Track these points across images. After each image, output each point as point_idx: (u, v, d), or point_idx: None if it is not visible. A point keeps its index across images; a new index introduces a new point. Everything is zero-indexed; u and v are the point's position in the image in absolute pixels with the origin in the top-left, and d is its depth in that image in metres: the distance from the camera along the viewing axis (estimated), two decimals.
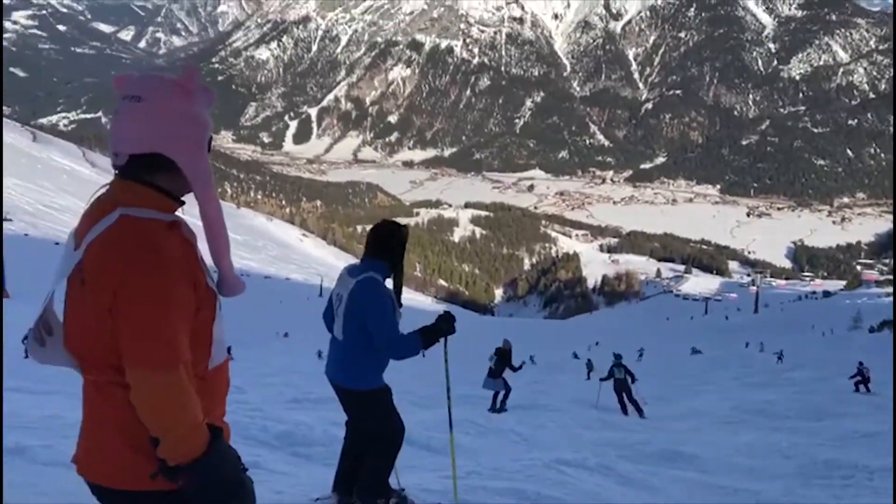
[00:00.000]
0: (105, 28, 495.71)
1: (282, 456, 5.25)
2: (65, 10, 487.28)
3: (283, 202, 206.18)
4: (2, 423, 3.06)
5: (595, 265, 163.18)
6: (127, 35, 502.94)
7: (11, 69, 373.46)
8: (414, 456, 5.93)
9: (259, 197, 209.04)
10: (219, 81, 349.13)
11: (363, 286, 3.24)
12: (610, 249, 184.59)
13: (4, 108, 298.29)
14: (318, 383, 15.10)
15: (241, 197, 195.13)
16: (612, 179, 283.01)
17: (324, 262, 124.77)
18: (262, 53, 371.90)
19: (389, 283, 3.40)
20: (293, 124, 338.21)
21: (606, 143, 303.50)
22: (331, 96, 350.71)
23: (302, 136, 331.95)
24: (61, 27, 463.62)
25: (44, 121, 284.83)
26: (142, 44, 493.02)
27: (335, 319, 3.42)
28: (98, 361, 1.64)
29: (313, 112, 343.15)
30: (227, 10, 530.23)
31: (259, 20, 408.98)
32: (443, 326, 3.38)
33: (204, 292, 1.68)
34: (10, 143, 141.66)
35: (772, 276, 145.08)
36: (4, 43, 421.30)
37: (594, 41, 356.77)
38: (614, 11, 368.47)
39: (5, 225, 42.29)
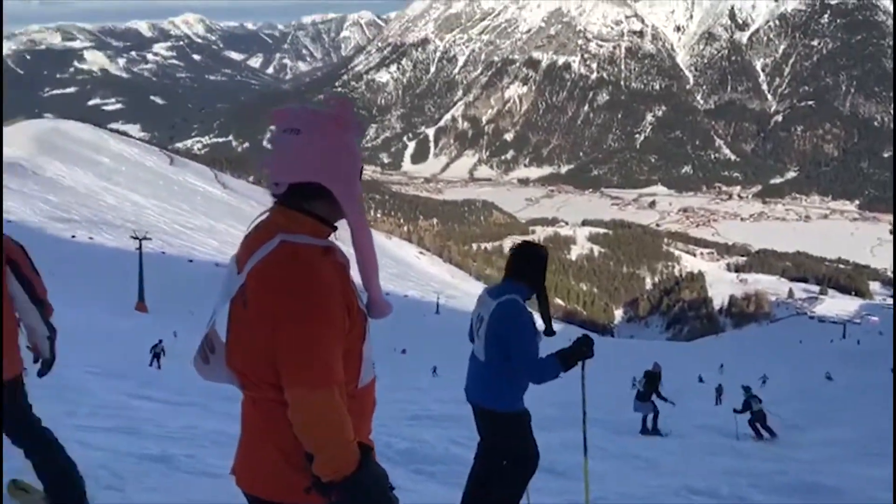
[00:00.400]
0: (236, 56, 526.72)
1: (404, 472, 5.32)
2: (200, 41, 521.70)
3: (401, 220, 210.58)
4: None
5: (721, 285, 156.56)
6: (256, 62, 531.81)
7: (152, 97, 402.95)
8: (537, 479, 5.86)
9: (378, 215, 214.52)
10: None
11: (504, 308, 3.23)
12: (738, 268, 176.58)
13: (145, 133, 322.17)
14: (435, 400, 15.28)
15: None
16: (739, 195, 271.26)
17: (440, 279, 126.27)
18: (383, 76, 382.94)
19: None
20: (411, 144, 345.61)
21: (733, 157, 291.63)
22: (448, 116, 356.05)
23: (420, 155, 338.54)
24: (196, 57, 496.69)
25: (180, 145, 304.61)
26: (269, 70, 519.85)
27: (476, 340, 3.41)
28: (257, 379, 1.73)
29: (431, 132, 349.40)
30: (350, 35, 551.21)
31: (380, 44, 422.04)
32: (582, 350, 3.33)
33: (356, 314, 1.75)
34: (151, 166, 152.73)
35: None
36: (146, 73, 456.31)
37: (719, 52, 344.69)
38: (740, 21, 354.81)
39: (144, 243, 45.48)
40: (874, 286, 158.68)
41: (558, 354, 3.29)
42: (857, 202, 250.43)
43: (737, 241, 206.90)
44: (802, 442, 12.35)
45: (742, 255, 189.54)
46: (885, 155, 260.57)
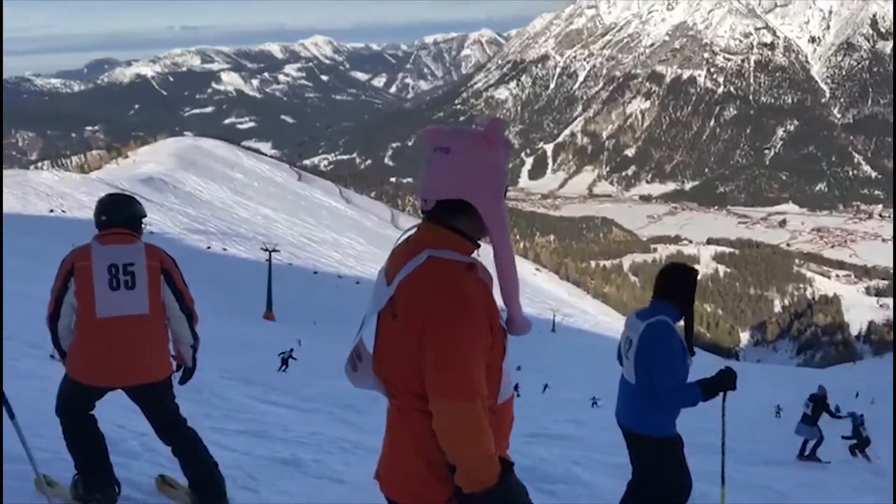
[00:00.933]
0: (361, 76, 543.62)
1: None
2: (328, 62, 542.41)
3: (518, 237, 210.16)
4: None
5: (859, 309, 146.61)
6: (379, 82, 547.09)
7: (282, 116, 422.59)
8: None
9: None
10: (460, 122, 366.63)
11: (653, 330, 3.24)
12: (878, 293, 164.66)
13: (276, 150, 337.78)
14: (549, 419, 15.11)
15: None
16: (880, 214, 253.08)
17: (556, 296, 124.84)
18: (502, 93, 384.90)
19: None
20: (529, 160, 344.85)
21: (873, 174, 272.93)
22: (567, 132, 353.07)
23: (537, 171, 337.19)
24: (324, 77, 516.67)
25: (307, 162, 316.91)
26: (392, 89, 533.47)
27: (625, 362, 3.42)
28: (404, 388, 1.78)
29: (549, 148, 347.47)
30: (471, 53, 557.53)
31: (500, 61, 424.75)
32: (725, 382, 3.33)
33: (497, 330, 1.78)
34: (280, 181, 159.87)
35: None
36: (277, 93, 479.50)
37: (858, 63, 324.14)
38: (883, 30, 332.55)
39: (273, 255, 47.64)
40: None
41: (700, 383, 3.27)
42: None
43: (877, 264, 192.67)
44: None
45: (883, 279, 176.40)
46: None
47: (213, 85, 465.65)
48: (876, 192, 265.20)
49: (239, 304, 38.26)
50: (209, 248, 67.49)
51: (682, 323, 3.44)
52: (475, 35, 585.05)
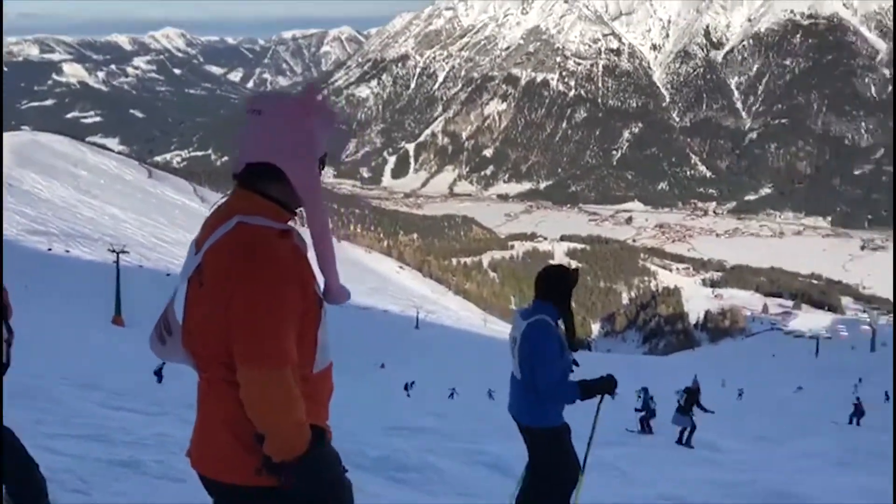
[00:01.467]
0: (216, 70, 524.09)
1: (377, 479, 5.33)
2: (180, 55, 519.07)
3: (381, 235, 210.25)
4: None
5: (697, 300, 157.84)
6: (236, 76, 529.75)
7: (131, 110, 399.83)
8: (513, 485, 5.89)
9: (358, 230, 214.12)
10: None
11: (533, 329, 3.43)
12: (713, 284, 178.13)
13: (124, 146, 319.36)
14: (413, 414, 15.24)
15: (341, 230, 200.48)
16: (714, 211, 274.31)
17: (419, 293, 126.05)
18: (363, 91, 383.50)
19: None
20: (391, 159, 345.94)
21: (708, 174, 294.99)
22: (428, 132, 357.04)
23: (400, 170, 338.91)
24: (177, 70, 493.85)
25: (159, 158, 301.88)
26: (249, 84, 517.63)
27: (511, 359, 3.60)
28: (211, 359, 1.71)
29: (411, 147, 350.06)
30: (331, 50, 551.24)
31: (360, 59, 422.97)
32: (605, 387, 3.56)
33: (312, 298, 1.74)
34: (129, 179, 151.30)
35: (889, 313, 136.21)
36: (126, 86, 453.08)
37: (694, 71, 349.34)
38: (715, 40, 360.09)
39: (122, 257, 45.11)
40: (846, 301, 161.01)
41: (581, 383, 3.48)
42: (829, 219, 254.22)
43: (712, 257, 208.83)
44: (774, 453, 12.50)
45: (717, 271, 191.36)
46: (857, 172, 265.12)
47: (54, 76, 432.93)
48: (710, 190, 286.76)
49: (84, 308, 36.02)
50: (50, 249, 62.95)
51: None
52: (335, 32, 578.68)
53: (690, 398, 13.48)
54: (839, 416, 20.73)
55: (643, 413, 15.12)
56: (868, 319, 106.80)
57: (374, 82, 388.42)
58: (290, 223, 1.76)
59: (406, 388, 26.79)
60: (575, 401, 3.47)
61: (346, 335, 47.46)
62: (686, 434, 13.13)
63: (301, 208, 1.78)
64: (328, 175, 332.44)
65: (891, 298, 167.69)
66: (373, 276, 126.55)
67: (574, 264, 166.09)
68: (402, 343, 53.71)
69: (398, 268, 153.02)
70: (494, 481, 5.92)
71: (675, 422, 13.40)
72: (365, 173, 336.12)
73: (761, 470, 9.31)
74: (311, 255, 1.78)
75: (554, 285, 3.54)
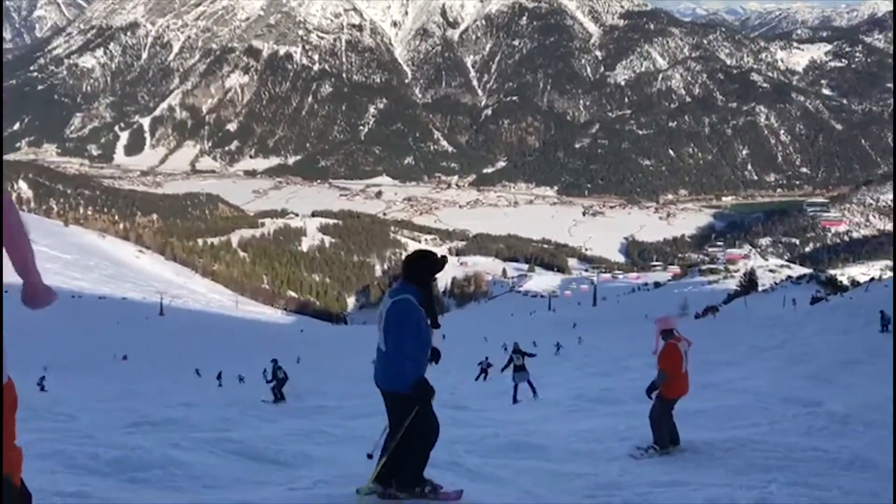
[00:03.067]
0: None
1: (115, 483, 4.92)
2: None
3: (117, 217, 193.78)
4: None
5: (446, 269, 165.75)
6: None
7: None
8: (260, 470, 5.74)
9: (89, 213, 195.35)
10: (39, 91, 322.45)
11: (396, 306, 3.86)
12: (458, 252, 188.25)
13: None
14: (159, 406, 14.33)
15: (70, 213, 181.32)
16: (456, 184, 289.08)
17: (162, 278, 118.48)
18: (87, 61, 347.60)
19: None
20: (124, 135, 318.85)
21: (450, 148, 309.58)
22: (164, 105, 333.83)
23: (134, 147, 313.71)
24: None
25: None
26: None
27: (378, 333, 4.00)
28: None
29: (146, 122, 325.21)
30: (46, 14, 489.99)
31: (82, 26, 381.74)
32: (425, 397, 3.99)
33: None
34: None
35: (608, 271, 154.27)
36: None
37: (433, 48, 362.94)
38: (451, 20, 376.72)
39: None
40: (572, 262, 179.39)
41: (420, 379, 3.97)
42: (555, 188, 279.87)
43: (457, 227, 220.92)
44: (516, 406, 13.58)
45: (462, 240, 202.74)
46: (577, 146, 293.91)
47: None
48: (452, 164, 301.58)
49: None
50: None
51: None
52: None
53: (521, 355, 15.00)
54: (572, 366, 23.03)
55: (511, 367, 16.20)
56: (591, 278, 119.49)
57: (99, 51, 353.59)
58: None
59: (218, 377, 25.46)
60: (415, 382, 3.89)
61: (80, 328, 43.27)
62: (530, 387, 14.54)
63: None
64: (51, 153, 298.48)
65: (608, 257, 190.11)
66: (109, 263, 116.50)
67: (328, 241, 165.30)
68: (146, 332, 50.24)
69: (137, 252, 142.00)
70: (243, 467, 5.76)
71: (517, 380, 14.71)
72: (94, 151, 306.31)
73: (503, 423, 10.05)
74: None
75: (416, 269, 3.97)
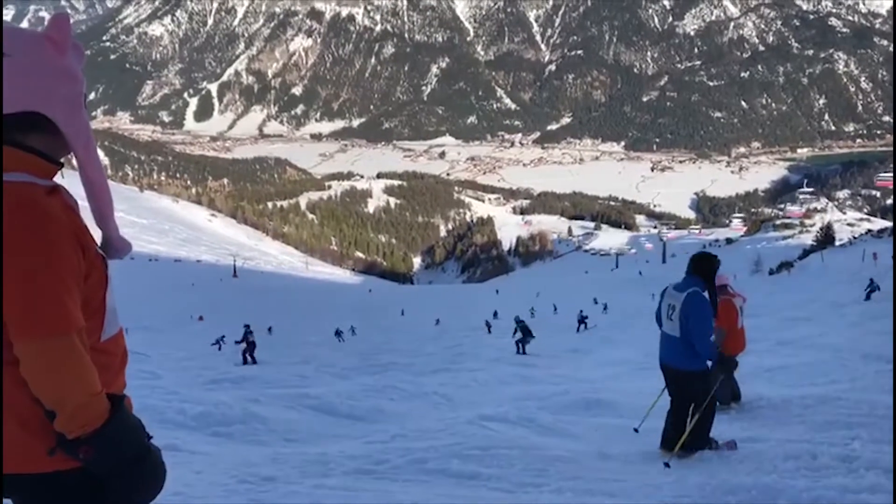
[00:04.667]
0: None
1: (201, 437, 5.15)
2: None
3: (189, 182, 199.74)
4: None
5: (509, 227, 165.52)
6: (7, 15, 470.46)
7: None
8: (337, 424, 5.91)
9: (163, 178, 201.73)
10: (111, 60, 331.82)
11: (692, 297, 4.57)
12: (523, 211, 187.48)
13: None
14: (230, 364, 14.83)
15: (144, 179, 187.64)
16: (520, 142, 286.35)
17: (235, 241, 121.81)
18: (156, 29, 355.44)
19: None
20: (193, 101, 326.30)
21: (513, 106, 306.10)
22: (231, 70, 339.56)
23: (203, 113, 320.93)
24: None
25: None
26: (24, 24, 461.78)
27: (667, 322, 4.75)
28: None
29: (213, 88, 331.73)
30: None
31: None
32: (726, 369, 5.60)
33: (93, 258, 1.58)
34: None
35: (677, 227, 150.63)
36: None
37: (495, 4, 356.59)
38: None
39: None
40: (640, 219, 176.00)
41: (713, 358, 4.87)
42: (622, 143, 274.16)
43: (520, 186, 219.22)
44: (586, 364, 13.53)
45: (526, 199, 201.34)
46: (645, 99, 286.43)
47: None
48: (516, 122, 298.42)
49: None
50: None
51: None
52: None
53: (524, 328, 16.50)
54: (643, 325, 22.76)
55: (523, 338, 17.12)
56: (659, 235, 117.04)
57: (167, 19, 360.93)
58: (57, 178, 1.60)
59: (337, 334, 26.18)
60: (710, 358, 4.73)
61: (158, 290, 44.98)
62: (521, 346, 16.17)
63: (66, 157, 1.65)
64: (125, 121, 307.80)
65: (678, 213, 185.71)
66: (183, 227, 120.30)
67: (393, 202, 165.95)
68: (221, 293, 51.84)
69: (210, 216, 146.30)
70: (320, 422, 5.94)
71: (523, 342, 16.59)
72: (165, 118, 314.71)
73: (573, 381, 10.06)
74: (85, 209, 1.62)
75: (701, 267, 4.71)
